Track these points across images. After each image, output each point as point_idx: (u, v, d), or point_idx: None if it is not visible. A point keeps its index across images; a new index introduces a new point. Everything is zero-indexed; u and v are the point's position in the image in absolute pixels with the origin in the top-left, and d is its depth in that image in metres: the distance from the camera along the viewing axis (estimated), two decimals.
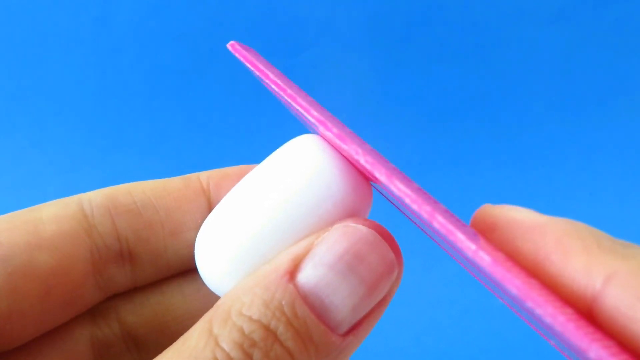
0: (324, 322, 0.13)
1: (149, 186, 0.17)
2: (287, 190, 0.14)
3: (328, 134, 0.13)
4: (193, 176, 0.18)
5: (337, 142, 0.13)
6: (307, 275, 0.13)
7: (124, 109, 0.52)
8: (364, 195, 0.14)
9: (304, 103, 0.13)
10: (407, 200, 0.11)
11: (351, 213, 0.14)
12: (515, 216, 0.12)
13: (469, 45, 0.51)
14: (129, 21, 0.51)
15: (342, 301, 0.13)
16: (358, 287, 0.13)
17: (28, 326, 0.15)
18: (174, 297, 0.18)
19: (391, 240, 0.14)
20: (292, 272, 0.13)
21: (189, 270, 0.18)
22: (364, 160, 0.12)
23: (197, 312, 0.18)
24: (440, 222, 0.10)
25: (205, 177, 0.18)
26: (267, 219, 0.14)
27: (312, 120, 0.13)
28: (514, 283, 0.09)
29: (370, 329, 0.14)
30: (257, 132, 0.52)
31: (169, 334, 0.18)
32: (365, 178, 0.15)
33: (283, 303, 0.12)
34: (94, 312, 0.18)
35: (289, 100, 0.14)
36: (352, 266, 0.13)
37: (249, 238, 0.14)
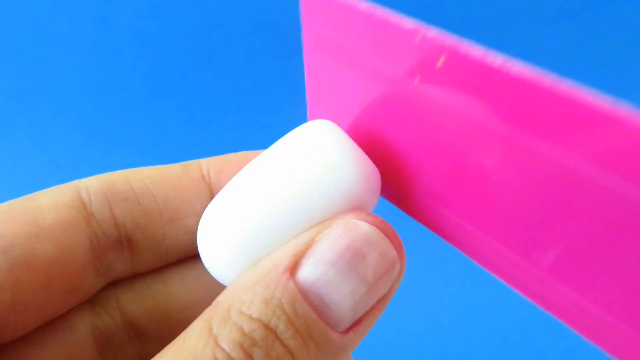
0: (324, 320, 0.13)
1: (147, 173, 0.17)
2: (296, 178, 0.13)
3: (430, 34, 0.12)
4: (193, 163, 0.18)
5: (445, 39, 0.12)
6: (308, 272, 0.13)
7: (124, 109, 0.52)
8: (373, 187, 0.14)
9: (397, 17, 0.12)
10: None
11: (358, 206, 0.14)
12: None
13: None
14: (129, 21, 0.50)
15: (342, 299, 0.13)
16: (359, 285, 0.13)
17: (31, 316, 0.15)
18: (175, 286, 0.18)
19: (394, 236, 0.14)
20: (293, 269, 0.13)
21: (190, 257, 0.18)
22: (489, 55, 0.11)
23: (197, 302, 0.18)
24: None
25: (206, 164, 0.18)
26: (272, 207, 0.13)
27: (409, 28, 0.12)
28: None
29: (371, 326, 0.13)
30: (257, 132, 0.52)
31: (170, 324, 0.18)
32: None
33: (283, 301, 0.12)
34: (95, 302, 0.18)
35: (386, 21, 0.12)
36: (353, 264, 0.13)
37: (253, 225, 0.13)
